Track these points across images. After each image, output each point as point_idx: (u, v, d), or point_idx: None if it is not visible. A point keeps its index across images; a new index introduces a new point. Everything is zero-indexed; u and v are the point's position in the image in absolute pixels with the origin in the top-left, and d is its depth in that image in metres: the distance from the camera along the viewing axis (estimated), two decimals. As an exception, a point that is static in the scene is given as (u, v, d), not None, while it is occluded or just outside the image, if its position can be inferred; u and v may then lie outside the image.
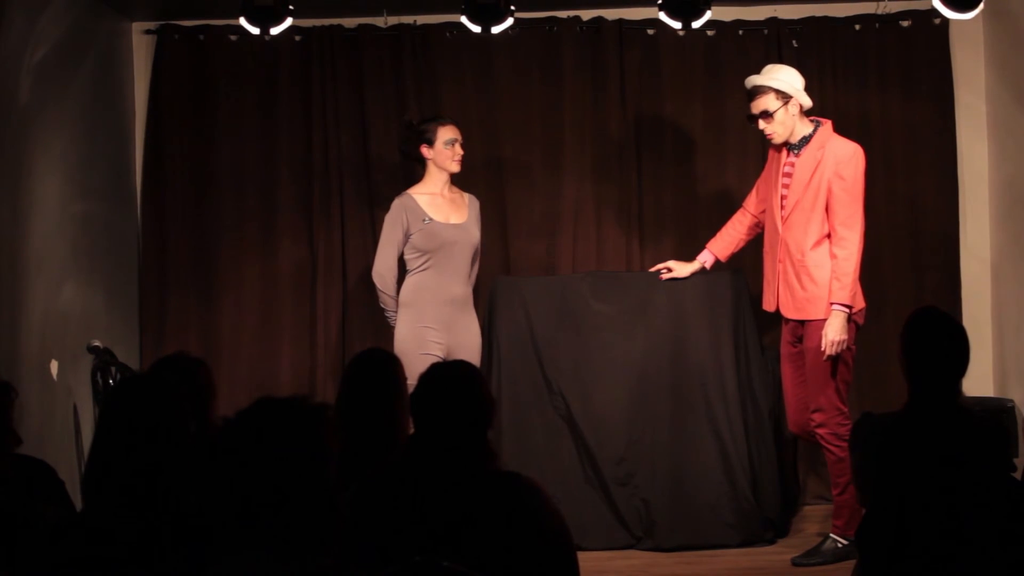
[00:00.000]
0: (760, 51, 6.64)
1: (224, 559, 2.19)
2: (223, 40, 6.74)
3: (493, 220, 6.66)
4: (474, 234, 5.72)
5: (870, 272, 6.63)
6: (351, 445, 3.33)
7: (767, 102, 5.38)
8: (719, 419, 5.74)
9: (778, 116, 5.38)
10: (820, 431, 5.38)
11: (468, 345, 5.64)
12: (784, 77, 5.41)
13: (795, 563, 5.41)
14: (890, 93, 6.69)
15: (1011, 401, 6.28)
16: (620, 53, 6.69)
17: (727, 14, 6.61)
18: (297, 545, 2.18)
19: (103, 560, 2.65)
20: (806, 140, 5.41)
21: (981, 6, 5.70)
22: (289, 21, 5.81)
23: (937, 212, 6.67)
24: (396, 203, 5.70)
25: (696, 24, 5.75)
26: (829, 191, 5.31)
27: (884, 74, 6.69)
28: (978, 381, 6.58)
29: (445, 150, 5.65)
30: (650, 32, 6.72)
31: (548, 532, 2.83)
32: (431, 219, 5.60)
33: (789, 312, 5.44)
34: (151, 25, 6.78)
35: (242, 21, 5.80)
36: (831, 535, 5.42)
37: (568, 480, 5.70)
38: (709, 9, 5.69)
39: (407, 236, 5.62)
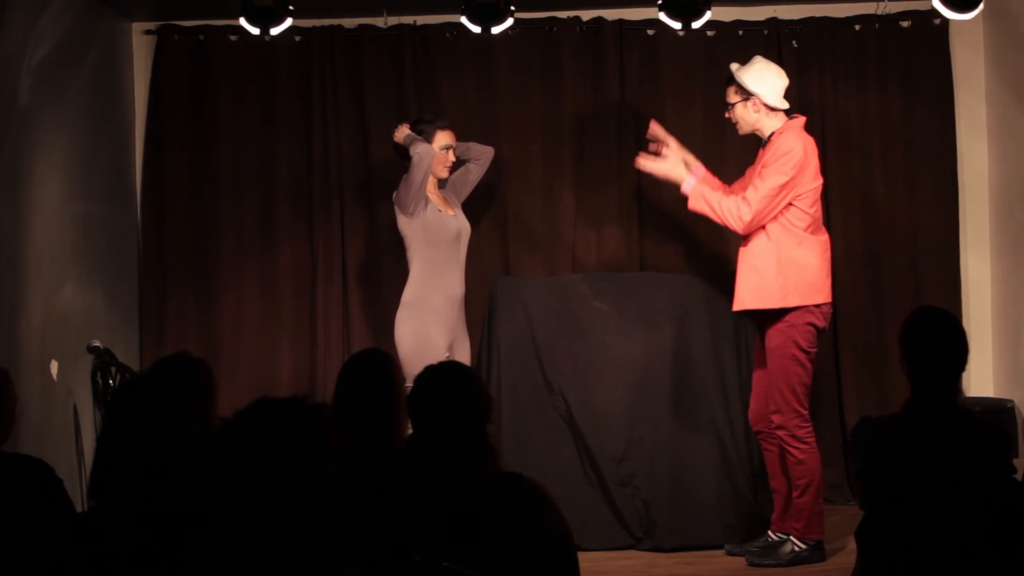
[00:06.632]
0: (760, 51, 6.60)
1: (224, 560, 2.19)
2: (223, 40, 6.74)
3: (493, 220, 6.67)
4: (467, 224, 5.78)
5: (871, 272, 6.65)
6: (349, 445, 3.33)
7: (730, 94, 5.46)
8: (719, 419, 5.74)
9: (737, 109, 5.44)
10: (779, 432, 5.33)
11: (465, 348, 5.67)
12: (752, 75, 5.38)
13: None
14: (890, 93, 6.68)
15: (1011, 401, 6.28)
16: (620, 53, 6.69)
17: (727, 14, 6.62)
18: (297, 546, 2.18)
19: (105, 560, 2.65)
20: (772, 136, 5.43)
21: (981, 6, 5.70)
22: (289, 21, 5.82)
23: (937, 212, 6.66)
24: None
25: (696, 24, 5.76)
26: None
27: (884, 74, 6.69)
28: (978, 381, 6.58)
29: (439, 154, 5.65)
30: (650, 32, 6.72)
31: (549, 532, 2.83)
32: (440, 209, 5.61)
33: (735, 303, 5.43)
34: (151, 25, 6.78)
35: (242, 21, 5.81)
36: (791, 538, 5.36)
37: (568, 480, 5.70)
38: (709, 9, 5.70)
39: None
